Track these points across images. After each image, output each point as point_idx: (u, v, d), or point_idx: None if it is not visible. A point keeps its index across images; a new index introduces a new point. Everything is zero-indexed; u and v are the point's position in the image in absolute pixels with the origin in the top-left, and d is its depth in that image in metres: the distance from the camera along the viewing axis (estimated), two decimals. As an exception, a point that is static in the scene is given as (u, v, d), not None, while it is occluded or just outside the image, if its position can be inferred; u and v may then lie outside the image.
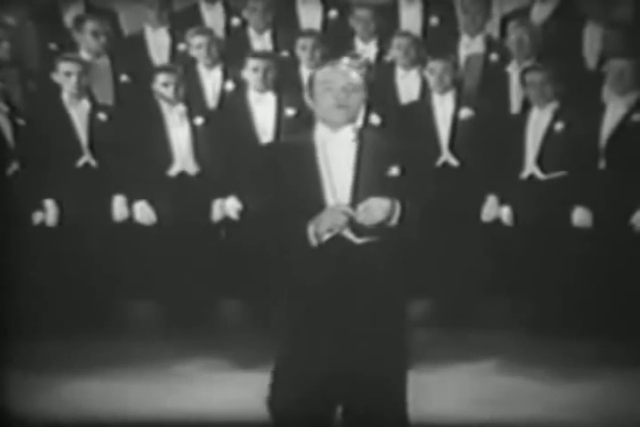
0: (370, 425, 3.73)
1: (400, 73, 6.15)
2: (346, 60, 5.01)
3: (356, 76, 3.71)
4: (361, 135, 3.71)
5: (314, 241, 3.56)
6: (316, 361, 3.65)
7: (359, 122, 3.76)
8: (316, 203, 3.60)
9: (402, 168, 3.65)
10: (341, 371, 3.66)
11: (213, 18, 6.52)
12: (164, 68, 5.87)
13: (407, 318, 3.77)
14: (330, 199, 3.61)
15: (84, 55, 6.06)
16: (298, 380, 3.69)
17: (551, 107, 5.69)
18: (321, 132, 3.71)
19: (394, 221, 3.57)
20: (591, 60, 6.26)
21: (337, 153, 3.68)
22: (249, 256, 3.87)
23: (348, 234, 3.58)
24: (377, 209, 3.54)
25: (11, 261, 5.43)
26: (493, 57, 6.25)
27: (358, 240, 3.59)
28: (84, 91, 5.75)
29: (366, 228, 3.54)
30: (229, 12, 6.56)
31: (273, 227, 3.64)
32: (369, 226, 3.54)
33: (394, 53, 6.15)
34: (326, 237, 3.54)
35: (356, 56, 5.90)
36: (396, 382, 3.73)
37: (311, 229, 3.55)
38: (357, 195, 3.59)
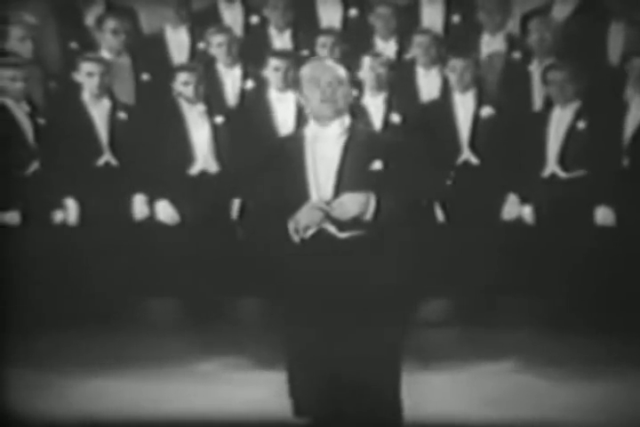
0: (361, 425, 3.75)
1: (421, 71, 6.14)
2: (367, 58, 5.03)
3: (341, 71, 3.74)
4: (350, 130, 3.73)
5: (295, 237, 3.60)
6: (316, 361, 3.69)
7: (347, 117, 3.77)
8: (301, 198, 3.63)
9: (385, 163, 3.67)
10: (336, 370, 3.69)
11: (232, 16, 6.52)
12: (184, 67, 5.88)
13: (404, 316, 3.80)
14: (314, 194, 3.64)
15: (105, 54, 6.07)
16: (299, 377, 3.75)
17: (573, 105, 5.66)
18: (311, 128, 3.74)
19: (368, 216, 3.59)
20: (614, 58, 6.22)
21: (324, 148, 3.71)
22: (258, 254, 3.88)
23: (331, 229, 3.62)
24: (350, 204, 3.57)
25: (32, 259, 5.45)
26: (515, 55, 6.22)
27: (341, 235, 3.63)
28: (106, 90, 5.76)
29: (348, 222, 3.58)
30: (248, 10, 6.56)
31: (268, 223, 3.68)
32: (344, 221, 3.56)
33: (414, 52, 6.13)
34: (309, 233, 3.59)
35: (377, 55, 5.95)
36: (387, 379, 3.75)
37: (291, 226, 3.60)
38: (340, 190, 3.63)
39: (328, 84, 3.68)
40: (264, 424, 4.24)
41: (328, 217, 3.59)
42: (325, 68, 3.74)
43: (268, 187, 3.71)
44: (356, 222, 3.60)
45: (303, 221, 3.59)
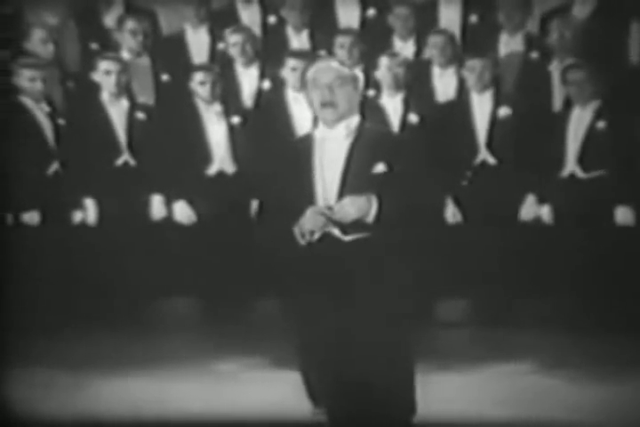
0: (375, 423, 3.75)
1: (437, 71, 6.12)
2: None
3: (345, 72, 3.68)
4: (355, 132, 3.69)
5: (301, 241, 3.59)
6: (328, 360, 3.69)
7: (354, 119, 3.71)
8: (308, 201, 3.62)
9: (391, 163, 3.63)
10: (350, 369, 3.69)
11: (250, 16, 6.53)
12: (200, 67, 5.91)
13: (417, 316, 3.79)
14: (320, 197, 3.62)
15: (125, 55, 6.10)
16: (314, 376, 3.76)
17: (593, 105, 5.63)
18: (320, 130, 3.71)
19: (370, 218, 3.56)
20: (635, 57, 6.18)
21: (331, 150, 3.67)
22: (272, 255, 3.88)
23: (336, 232, 3.61)
24: (351, 207, 3.54)
25: (51, 259, 5.48)
26: (533, 55, 6.20)
27: (345, 238, 3.61)
28: (124, 90, 5.78)
29: (351, 225, 3.57)
30: (266, 10, 6.57)
31: (279, 225, 3.68)
32: (346, 224, 3.55)
33: (430, 52, 6.12)
34: (315, 236, 3.59)
35: (394, 55, 5.95)
36: (401, 378, 3.74)
37: (297, 231, 3.59)
38: (344, 193, 3.60)
39: (326, 87, 3.61)
40: (281, 423, 4.23)
41: (331, 221, 3.57)
42: (327, 69, 3.67)
43: (279, 188, 3.71)
44: (359, 225, 3.58)
45: (307, 226, 3.59)
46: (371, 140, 3.69)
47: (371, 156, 3.64)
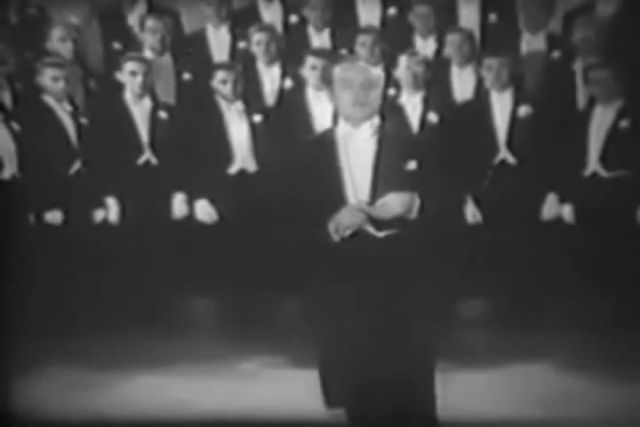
0: (395, 424, 3.76)
1: (455, 70, 6.11)
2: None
3: (374, 73, 3.74)
4: (380, 131, 3.73)
5: (335, 237, 3.61)
6: (353, 358, 3.69)
7: (376, 118, 3.77)
8: (337, 198, 3.64)
9: (419, 162, 3.66)
10: (372, 367, 3.70)
11: (271, 15, 6.54)
12: (222, 66, 5.92)
13: (440, 315, 3.80)
14: (350, 195, 3.66)
15: (148, 54, 6.13)
16: (333, 373, 3.76)
17: (616, 104, 5.60)
18: (343, 129, 3.74)
19: (413, 215, 3.60)
20: (659, 57, 6.15)
21: (357, 149, 3.72)
22: (296, 253, 3.90)
23: (369, 228, 3.63)
24: (395, 203, 3.58)
25: (74, 258, 5.51)
26: (555, 54, 6.17)
27: (379, 234, 3.64)
28: (148, 90, 5.81)
29: (387, 222, 3.59)
30: (287, 9, 6.58)
31: (305, 222, 3.70)
32: (387, 220, 3.57)
33: (448, 50, 6.11)
34: (347, 233, 3.61)
35: (414, 53, 5.94)
36: (422, 379, 3.75)
37: (332, 227, 3.62)
38: (376, 190, 3.64)
39: (361, 87, 3.68)
40: (300, 423, 4.25)
41: (369, 218, 3.60)
42: (359, 69, 3.75)
43: (304, 187, 3.73)
44: (394, 222, 3.61)
45: (345, 223, 3.63)
46: (394, 139, 3.73)
47: (397, 154, 3.68)
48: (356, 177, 3.70)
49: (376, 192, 3.67)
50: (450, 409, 3.94)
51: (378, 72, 3.78)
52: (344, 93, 3.70)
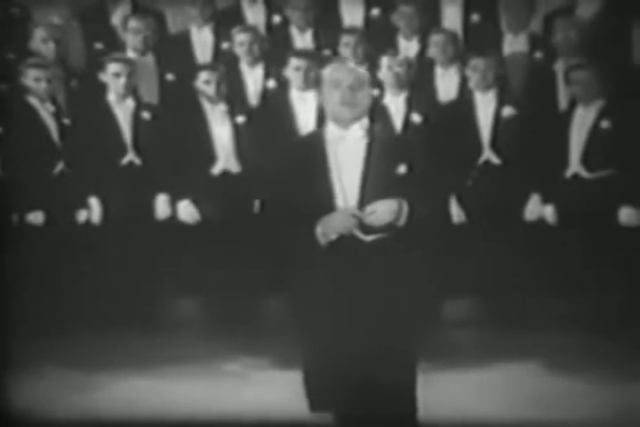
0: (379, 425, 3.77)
1: (438, 71, 6.13)
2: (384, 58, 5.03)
3: (363, 73, 3.74)
4: (370, 132, 3.72)
5: (322, 241, 3.60)
6: (338, 360, 3.69)
7: (366, 119, 3.76)
8: (325, 201, 3.64)
9: (409, 165, 3.66)
10: (358, 369, 3.70)
11: (255, 16, 6.54)
12: (205, 66, 5.92)
13: (426, 316, 3.80)
14: (339, 198, 3.65)
15: (130, 54, 6.11)
16: (317, 375, 3.76)
17: (597, 105, 5.63)
18: (331, 130, 3.73)
19: (402, 221, 3.59)
20: (639, 57, 6.17)
21: (347, 151, 3.70)
22: (281, 255, 3.89)
23: (357, 232, 3.62)
24: (384, 211, 3.57)
25: (57, 257, 5.49)
26: (537, 55, 6.20)
27: (367, 238, 3.63)
28: (131, 90, 5.79)
29: (371, 226, 3.58)
30: (270, 9, 6.58)
31: (292, 224, 3.68)
32: (377, 226, 3.57)
33: (432, 51, 6.12)
34: (334, 237, 3.60)
35: (395, 54, 5.95)
36: (408, 381, 3.75)
37: (319, 230, 3.61)
38: (365, 194, 3.63)
39: (349, 87, 3.68)
40: (284, 424, 4.25)
41: (360, 224, 3.60)
42: (347, 70, 3.74)
43: (292, 187, 3.72)
44: (382, 227, 3.61)
45: (335, 227, 3.61)
46: (386, 141, 3.72)
47: (385, 156, 3.67)
48: (344, 179, 3.69)
49: (364, 194, 3.65)
50: (437, 410, 3.94)
51: (364, 73, 3.77)
52: (332, 93, 3.70)
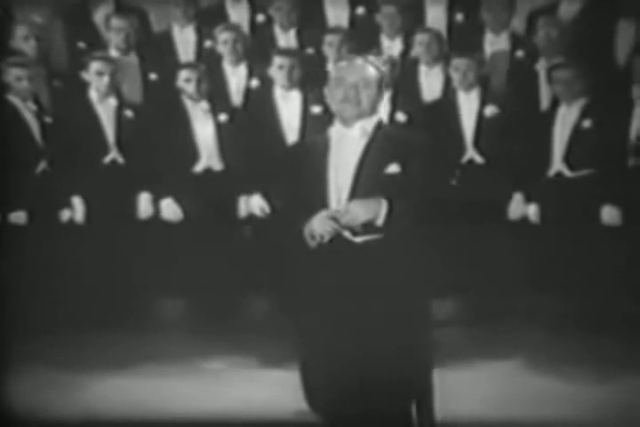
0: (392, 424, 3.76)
1: (423, 70, 6.14)
2: (370, 57, 5.00)
3: (370, 72, 3.69)
4: (372, 132, 3.70)
5: (311, 243, 3.59)
6: (331, 361, 3.68)
7: (373, 118, 3.72)
8: (314, 198, 3.63)
9: (402, 165, 3.64)
10: (357, 369, 3.69)
11: (238, 15, 6.53)
12: (186, 65, 5.93)
13: (428, 316, 3.78)
14: (332, 197, 3.63)
15: (113, 53, 6.10)
16: (318, 379, 3.74)
17: (579, 104, 5.65)
18: (336, 129, 3.72)
19: (380, 221, 3.56)
20: (621, 56, 6.20)
21: (347, 150, 3.68)
22: (269, 253, 3.88)
23: (346, 234, 3.61)
24: (359, 210, 3.54)
25: (40, 257, 5.47)
26: (519, 54, 6.22)
27: (356, 239, 3.62)
28: (114, 89, 5.78)
29: (360, 228, 3.57)
30: (254, 8, 6.57)
31: (287, 224, 3.68)
32: (355, 227, 3.56)
33: (416, 50, 6.13)
34: (326, 239, 3.58)
35: (379, 53, 5.94)
36: (400, 380, 3.74)
37: (306, 232, 3.59)
38: (356, 193, 3.61)
39: (352, 86, 3.63)
40: (269, 423, 4.24)
41: (340, 225, 3.57)
42: (353, 68, 3.69)
43: (292, 187, 3.71)
44: (370, 227, 3.59)
45: (317, 230, 3.59)
46: (383, 140, 3.69)
47: (382, 156, 3.65)
48: (340, 179, 3.65)
49: (355, 195, 3.62)
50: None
51: (374, 71, 3.70)
52: (335, 91, 3.67)
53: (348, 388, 3.70)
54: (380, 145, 3.68)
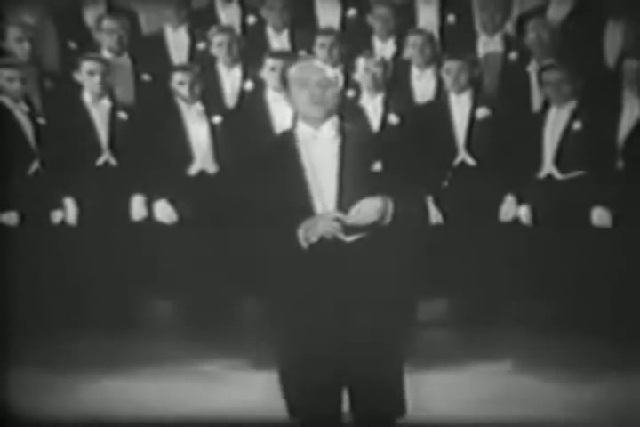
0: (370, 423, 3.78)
1: (415, 72, 6.15)
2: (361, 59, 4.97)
3: (330, 71, 3.71)
4: (342, 132, 3.72)
5: (304, 244, 3.59)
6: (316, 362, 3.70)
7: (336, 118, 3.74)
8: (300, 199, 3.63)
9: (385, 164, 3.66)
10: (342, 370, 3.71)
11: (229, 16, 6.53)
12: (180, 67, 5.92)
13: (412, 317, 3.81)
14: (316, 199, 3.64)
15: (105, 54, 6.09)
16: (301, 379, 3.76)
17: (569, 106, 5.66)
18: (302, 130, 3.72)
19: (387, 220, 3.58)
20: (610, 59, 6.23)
21: (320, 151, 3.69)
22: (258, 255, 3.87)
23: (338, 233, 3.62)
24: (370, 210, 3.56)
25: (31, 259, 5.46)
26: (512, 56, 6.24)
27: (347, 239, 3.63)
28: (106, 90, 5.78)
29: (356, 227, 3.58)
30: (245, 10, 6.58)
31: (269, 224, 3.67)
32: (362, 226, 3.57)
33: (409, 52, 6.14)
34: (315, 239, 3.59)
35: (371, 55, 5.97)
36: (388, 382, 3.77)
37: (301, 233, 3.59)
38: (343, 194, 3.62)
39: (317, 85, 3.64)
40: (261, 425, 4.25)
41: (345, 226, 3.59)
42: (314, 68, 3.70)
43: (267, 188, 3.71)
44: (365, 227, 3.60)
45: (318, 231, 3.59)
46: (357, 140, 3.71)
47: (364, 155, 3.66)
48: (320, 180, 3.67)
49: (342, 195, 3.65)
50: (412, 410, 3.96)
51: (334, 71, 3.73)
52: (300, 93, 3.67)
53: (330, 390, 3.74)
54: (358, 144, 3.69)
